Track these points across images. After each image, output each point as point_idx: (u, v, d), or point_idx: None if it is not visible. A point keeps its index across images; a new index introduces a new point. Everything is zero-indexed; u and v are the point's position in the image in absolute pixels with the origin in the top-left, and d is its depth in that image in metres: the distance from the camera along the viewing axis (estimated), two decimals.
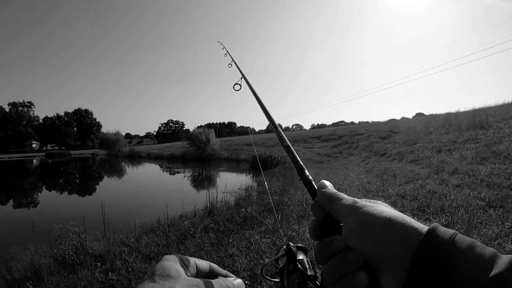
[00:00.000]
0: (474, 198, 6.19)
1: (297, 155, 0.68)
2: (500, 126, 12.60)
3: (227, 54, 1.48)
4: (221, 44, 1.56)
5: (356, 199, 0.51)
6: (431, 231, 0.42)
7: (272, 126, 0.84)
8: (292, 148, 0.71)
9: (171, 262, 0.47)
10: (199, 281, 0.46)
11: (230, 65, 1.44)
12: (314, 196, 0.57)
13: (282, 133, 0.79)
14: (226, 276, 0.53)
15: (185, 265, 0.49)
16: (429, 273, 0.39)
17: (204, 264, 0.52)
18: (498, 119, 13.92)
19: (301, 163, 0.64)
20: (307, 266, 0.59)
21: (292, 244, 0.62)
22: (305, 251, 0.63)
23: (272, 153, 22.36)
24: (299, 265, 0.59)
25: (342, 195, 0.53)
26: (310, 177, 0.62)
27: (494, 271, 0.37)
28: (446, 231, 0.42)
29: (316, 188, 0.57)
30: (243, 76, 1.21)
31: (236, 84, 1.27)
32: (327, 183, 0.56)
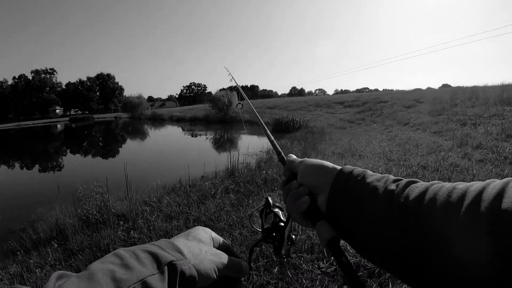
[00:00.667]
0: (497, 175, 6.27)
1: (278, 147, 0.98)
2: None
3: (232, 79, 1.62)
4: (227, 70, 1.66)
5: (304, 158, 0.82)
6: (341, 168, 0.71)
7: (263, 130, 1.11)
8: (275, 142, 1.02)
9: (203, 232, 0.65)
10: (220, 252, 0.62)
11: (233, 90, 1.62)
12: (284, 164, 0.86)
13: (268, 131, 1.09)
14: (237, 257, 0.67)
15: (212, 238, 0.66)
16: (339, 189, 0.67)
17: (225, 243, 0.69)
18: None
19: (283, 155, 0.93)
20: (281, 213, 0.86)
21: (270, 198, 0.90)
22: (281, 209, 0.89)
23: (294, 117, 22.21)
24: (274, 209, 0.87)
25: (294, 157, 0.85)
26: (283, 155, 0.92)
27: (368, 179, 0.65)
28: (350, 167, 0.70)
29: (286, 158, 0.87)
30: (246, 98, 1.45)
31: (238, 103, 1.59)
32: (292, 155, 0.88)
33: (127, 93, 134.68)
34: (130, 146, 24.08)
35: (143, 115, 63.27)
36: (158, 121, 51.82)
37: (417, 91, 32.41)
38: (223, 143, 20.68)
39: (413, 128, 14.57)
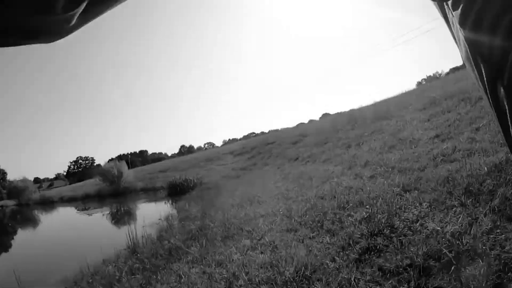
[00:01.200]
0: (389, 186, 6.25)
1: None
2: (401, 115, 13.38)
3: None
4: None
5: None
6: None
7: None
8: None
9: None
10: None
11: None
12: None
13: None
14: None
15: None
16: None
17: None
18: (397, 108, 14.84)
19: None
20: None
21: None
22: None
23: (188, 177, 22.16)
24: None
25: None
26: None
27: None
28: None
29: None
30: None
31: None
32: None
33: (11, 176, 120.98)
34: (22, 237, 21.59)
35: (31, 200, 56.99)
36: (49, 204, 47.33)
37: (301, 125, 34.30)
38: (121, 217, 19.82)
39: (303, 162, 14.78)
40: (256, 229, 6.57)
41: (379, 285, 3.43)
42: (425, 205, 4.82)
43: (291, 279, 3.98)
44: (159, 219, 12.21)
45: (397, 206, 5.09)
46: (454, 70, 36.50)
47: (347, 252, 4.29)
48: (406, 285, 3.28)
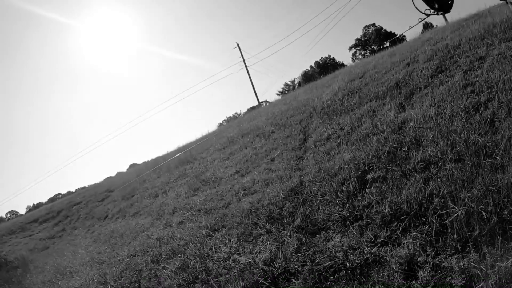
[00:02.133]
0: (198, 229, 6.36)
1: None
2: (203, 156, 14.01)
3: None
4: None
5: None
6: None
7: None
8: None
9: None
10: None
11: None
12: None
13: None
14: None
15: None
16: None
17: None
18: (200, 151, 15.52)
19: None
20: None
21: None
22: None
23: None
24: None
25: None
26: None
27: None
28: None
29: None
30: None
31: None
32: None
33: None
34: None
35: None
36: None
37: (108, 179, 32.45)
38: None
39: (113, 219, 14.00)
40: None
41: None
42: (234, 240, 5.09)
43: None
44: None
45: (208, 248, 5.24)
46: (251, 109, 40.36)
47: None
48: None
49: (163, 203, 10.42)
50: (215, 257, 4.82)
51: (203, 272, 4.59)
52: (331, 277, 3.44)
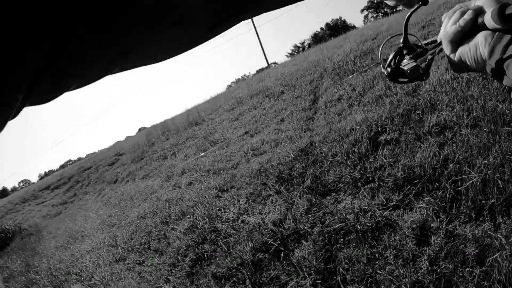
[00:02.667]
0: (206, 190, 6.38)
1: None
2: (211, 118, 13.94)
3: None
4: None
5: None
6: None
7: None
8: None
9: None
10: None
11: None
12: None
13: None
14: None
15: None
16: None
17: None
18: (208, 112, 15.42)
19: None
20: None
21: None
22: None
23: (4, 225, 18.40)
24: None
25: None
26: None
27: None
28: None
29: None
30: None
31: None
32: None
33: None
34: None
35: None
36: None
37: (117, 144, 32.54)
38: None
39: (122, 183, 14.14)
40: (84, 269, 6.03)
41: None
42: (242, 201, 5.08)
43: None
44: None
45: (217, 208, 5.25)
46: (260, 71, 39.85)
47: (178, 269, 4.22)
48: (241, 285, 3.37)
49: (172, 165, 10.46)
50: (224, 218, 4.84)
51: (212, 233, 4.62)
52: (341, 240, 3.39)
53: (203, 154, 9.43)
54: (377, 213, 3.53)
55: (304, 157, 5.54)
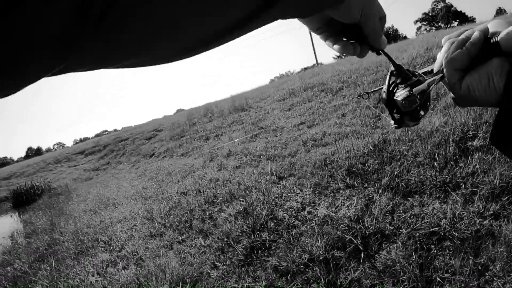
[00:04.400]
0: (261, 174, 5.84)
1: None
2: (260, 105, 13.41)
3: None
4: None
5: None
6: None
7: None
8: None
9: None
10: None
11: None
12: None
13: None
14: None
15: None
16: None
17: None
18: (256, 100, 14.89)
19: None
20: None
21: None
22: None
23: (35, 182, 19.03)
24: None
25: None
26: None
27: None
28: None
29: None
30: None
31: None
32: None
33: None
34: None
35: None
36: None
37: (154, 121, 32.82)
38: None
39: (159, 158, 13.86)
40: (114, 238, 5.61)
41: None
42: (307, 191, 4.47)
43: None
44: (3, 237, 10.31)
45: (275, 195, 4.67)
46: (305, 69, 39.29)
47: (229, 255, 3.64)
48: (315, 284, 2.78)
49: (216, 146, 10.00)
50: (286, 206, 4.25)
51: (272, 220, 4.03)
52: (433, 246, 2.94)
53: (249, 137, 8.88)
54: (476, 221, 3.08)
55: (378, 153, 4.91)
